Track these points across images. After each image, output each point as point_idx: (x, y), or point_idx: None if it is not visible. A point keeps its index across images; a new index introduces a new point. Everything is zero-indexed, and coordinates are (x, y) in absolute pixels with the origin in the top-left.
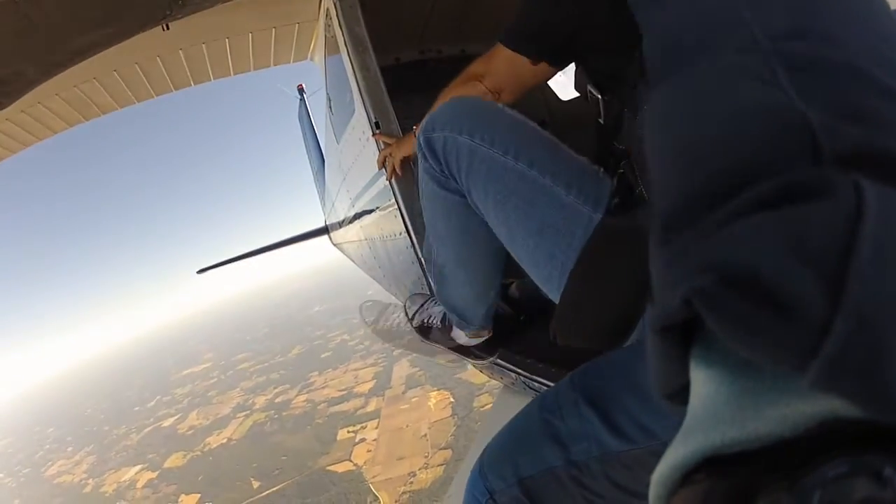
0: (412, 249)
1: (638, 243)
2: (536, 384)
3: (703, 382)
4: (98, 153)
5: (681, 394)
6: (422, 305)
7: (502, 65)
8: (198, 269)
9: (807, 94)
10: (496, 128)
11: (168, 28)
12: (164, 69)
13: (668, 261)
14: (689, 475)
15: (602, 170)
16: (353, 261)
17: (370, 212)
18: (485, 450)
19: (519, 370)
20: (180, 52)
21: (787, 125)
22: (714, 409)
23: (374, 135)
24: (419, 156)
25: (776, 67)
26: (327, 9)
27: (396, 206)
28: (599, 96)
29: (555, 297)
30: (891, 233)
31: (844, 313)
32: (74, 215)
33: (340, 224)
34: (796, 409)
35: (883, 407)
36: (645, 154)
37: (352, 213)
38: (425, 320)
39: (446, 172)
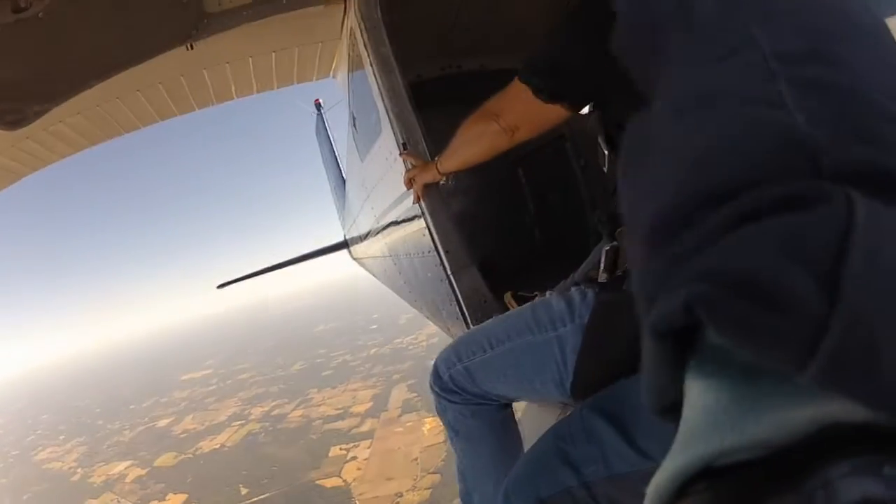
0: (441, 267)
1: (627, 311)
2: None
3: (699, 393)
4: (125, 165)
5: (673, 410)
6: None
7: (518, 104)
8: (217, 284)
9: (814, 118)
10: (472, 342)
11: (192, 48)
12: (187, 88)
13: (667, 263)
14: (686, 486)
15: (554, 293)
16: (374, 275)
17: (397, 229)
18: (508, 477)
19: None
20: (204, 71)
21: (790, 145)
22: (713, 417)
23: (401, 154)
24: (436, 404)
25: (784, 89)
26: (351, 28)
27: (425, 225)
28: (607, 152)
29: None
30: (878, 242)
31: (840, 312)
32: (98, 220)
33: (362, 239)
34: (795, 414)
35: (882, 402)
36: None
37: (376, 230)
38: None
39: (465, 397)
